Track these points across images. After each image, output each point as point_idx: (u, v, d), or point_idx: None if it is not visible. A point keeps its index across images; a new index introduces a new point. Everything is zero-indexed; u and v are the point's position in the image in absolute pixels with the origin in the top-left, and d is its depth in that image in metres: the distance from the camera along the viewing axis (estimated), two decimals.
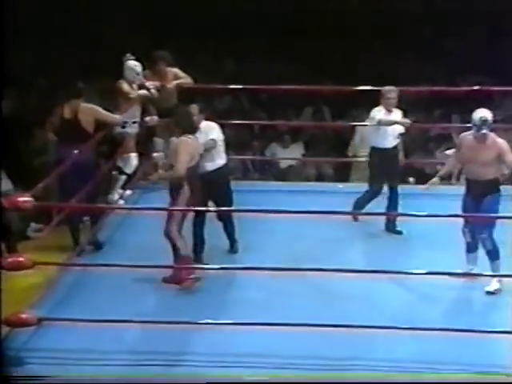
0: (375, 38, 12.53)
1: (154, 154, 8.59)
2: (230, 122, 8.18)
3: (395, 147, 7.73)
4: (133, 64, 8.20)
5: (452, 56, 11.95)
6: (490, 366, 5.58)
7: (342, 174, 10.33)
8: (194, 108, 7.11)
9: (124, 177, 8.26)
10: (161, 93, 8.43)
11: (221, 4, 12.41)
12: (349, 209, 7.52)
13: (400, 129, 7.73)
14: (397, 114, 7.71)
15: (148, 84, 8.32)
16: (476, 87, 9.08)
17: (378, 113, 7.61)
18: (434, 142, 10.67)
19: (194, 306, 6.32)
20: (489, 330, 5.78)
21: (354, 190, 8.95)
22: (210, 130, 7.15)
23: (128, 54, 8.25)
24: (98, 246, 7.38)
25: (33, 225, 8.07)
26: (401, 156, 7.93)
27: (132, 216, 7.76)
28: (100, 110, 7.68)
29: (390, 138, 7.65)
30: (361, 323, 5.75)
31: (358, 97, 10.23)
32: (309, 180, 10.46)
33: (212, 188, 6.97)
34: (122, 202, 8.26)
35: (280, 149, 10.89)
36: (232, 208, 7.14)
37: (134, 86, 8.18)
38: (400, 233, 7.60)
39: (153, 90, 8.34)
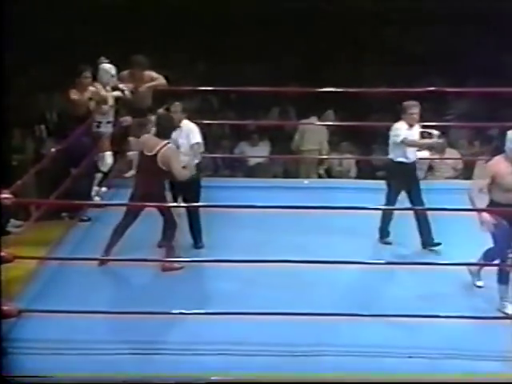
0: (339, 42, 12.56)
1: (129, 153, 8.62)
2: (200, 121, 8.19)
3: (415, 162, 7.40)
4: (107, 67, 8.21)
5: (412, 58, 12.02)
6: (444, 349, 5.66)
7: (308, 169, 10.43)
8: (178, 106, 7.13)
9: (100, 175, 8.27)
10: (137, 94, 8.44)
11: (194, 7, 12.38)
12: (313, 203, 7.27)
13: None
14: (417, 129, 7.38)
15: (122, 86, 8.33)
16: (431, 88, 9.17)
17: (401, 129, 7.24)
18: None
19: (167, 297, 6.32)
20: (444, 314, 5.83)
21: (319, 185, 9.10)
22: (193, 133, 7.17)
23: (102, 58, 8.25)
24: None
25: (12, 221, 8.04)
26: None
27: (107, 211, 7.74)
28: None
29: (411, 152, 7.33)
30: (327, 311, 5.77)
31: (321, 97, 10.30)
32: (276, 176, 10.51)
33: (184, 185, 7.00)
34: (97, 198, 8.27)
35: (248, 147, 10.93)
36: (204, 204, 7.17)
37: (108, 87, 8.18)
38: (439, 244, 7.19)
39: (126, 92, 8.35)
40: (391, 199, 7.25)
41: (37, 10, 11.18)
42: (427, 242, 7.17)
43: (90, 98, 7.97)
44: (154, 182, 6.80)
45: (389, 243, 7.32)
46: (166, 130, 6.87)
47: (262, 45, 12.48)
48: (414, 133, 7.31)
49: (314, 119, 10.66)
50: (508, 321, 5.97)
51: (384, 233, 7.35)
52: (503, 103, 9.78)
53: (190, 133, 7.13)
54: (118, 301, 6.27)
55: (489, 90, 9.39)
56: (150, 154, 6.80)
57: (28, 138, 10.36)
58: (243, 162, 10.94)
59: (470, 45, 11.87)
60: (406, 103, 7.34)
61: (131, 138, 8.64)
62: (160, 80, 8.60)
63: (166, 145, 6.77)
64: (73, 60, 8.55)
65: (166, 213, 6.85)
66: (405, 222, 7.19)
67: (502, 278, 6.16)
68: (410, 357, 5.60)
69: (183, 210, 7.24)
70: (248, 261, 6.10)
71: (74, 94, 7.92)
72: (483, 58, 11.73)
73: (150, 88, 8.53)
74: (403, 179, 7.26)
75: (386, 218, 7.27)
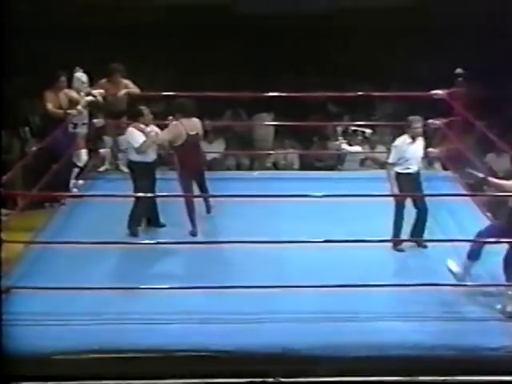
0: (280, 52, 12.58)
1: (101, 150, 8.60)
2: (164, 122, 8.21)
3: (418, 172, 6.97)
4: (79, 75, 8.21)
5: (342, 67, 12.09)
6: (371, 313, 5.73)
7: (258, 163, 10.43)
8: (146, 109, 7.14)
9: (77, 169, 8.24)
10: (114, 98, 8.40)
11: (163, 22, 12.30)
12: (262, 192, 7.08)
13: (421, 153, 7.02)
14: (420, 142, 6.98)
15: (95, 92, 8.31)
16: (361, 93, 9.26)
17: (403, 142, 6.91)
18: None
19: (137, 274, 6.33)
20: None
21: (267, 176, 9.12)
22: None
23: (77, 67, 8.24)
24: None
25: (2, 210, 7.94)
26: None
27: (84, 201, 7.70)
28: None
29: (414, 163, 6.93)
30: (271, 284, 5.79)
31: (267, 101, 10.38)
32: (229, 169, 10.51)
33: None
34: (75, 190, 8.22)
35: (206, 144, 10.89)
36: (173, 193, 7.16)
37: (82, 93, 8.17)
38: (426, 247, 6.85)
39: (99, 97, 8.33)
40: (399, 211, 6.86)
41: (20, 24, 11.00)
42: None
43: (70, 100, 7.93)
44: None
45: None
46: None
47: (219, 57, 12.45)
48: (417, 146, 6.94)
49: (264, 115, 10.68)
50: None
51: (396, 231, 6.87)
52: (420, 105, 9.92)
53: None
54: (93, 278, 6.22)
55: (408, 94, 9.52)
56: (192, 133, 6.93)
57: (14, 139, 10.24)
58: None
59: (394, 56, 12.01)
60: (410, 118, 6.98)
61: (105, 137, 8.61)
62: (135, 88, 8.59)
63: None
64: (53, 69, 8.48)
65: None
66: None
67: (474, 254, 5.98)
68: (344, 320, 5.65)
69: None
70: (206, 242, 6.13)
71: (49, 95, 7.91)
72: (404, 67, 11.92)
73: (126, 94, 8.51)
74: (408, 189, 6.90)
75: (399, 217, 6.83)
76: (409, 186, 6.88)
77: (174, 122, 7.07)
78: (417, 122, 6.90)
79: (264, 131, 10.88)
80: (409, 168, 6.89)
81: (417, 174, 6.96)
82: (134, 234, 6.99)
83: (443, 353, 5.39)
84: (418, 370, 5.35)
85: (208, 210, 7.45)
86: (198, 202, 7.26)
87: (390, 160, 6.93)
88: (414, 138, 6.90)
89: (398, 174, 6.88)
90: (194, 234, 7.00)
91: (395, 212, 6.85)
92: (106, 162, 8.73)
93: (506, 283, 5.87)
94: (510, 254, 5.88)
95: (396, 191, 6.78)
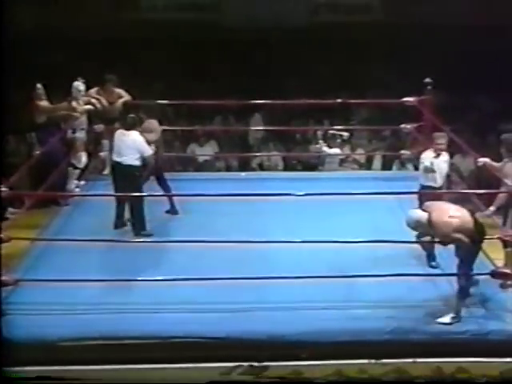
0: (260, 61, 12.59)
1: (101, 153, 8.57)
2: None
3: (441, 187, 6.59)
4: (76, 84, 8.18)
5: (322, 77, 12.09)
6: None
7: (245, 165, 10.42)
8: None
9: (77, 171, 8.22)
10: (111, 107, 8.37)
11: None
12: (249, 191, 7.05)
13: (445, 168, 6.65)
14: (445, 157, 6.67)
15: (93, 101, 8.29)
16: (339, 100, 9.27)
17: (427, 157, 6.66)
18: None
19: (133, 267, 6.28)
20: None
21: (254, 177, 9.10)
22: None
23: (79, 78, 8.22)
24: None
25: (10, 209, 7.89)
26: None
27: (86, 200, 7.66)
28: None
29: (438, 177, 6.62)
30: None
31: (253, 108, 10.42)
32: (219, 170, 10.48)
33: None
34: (77, 190, 8.19)
35: (197, 147, 10.87)
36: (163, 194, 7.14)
37: (81, 102, 8.13)
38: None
39: (98, 105, 8.31)
40: None
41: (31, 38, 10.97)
42: None
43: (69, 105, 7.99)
44: None
45: None
46: None
47: (207, 68, 12.44)
48: (441, 161, 6.66)
49: (257, 116, 10.67)
50: None
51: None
52: (394, 110, 9.97)
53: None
54: (94, 271, 6.18)
55: (382, 101, 9.56)
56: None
57: (21, 144, 10.15)
58: (193, 160, 10.88)
59: (368, 66, 12.05)
60: (435, 134, 6.77)
61: (104, 141, 8.57)
62: (128, 97, 8.55)
63: None
64: (54, 79, 8.46)
65: None
66: None
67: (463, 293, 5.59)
68: (325, 308, 5.65)
69: None
70: (196, 241, 6.08)
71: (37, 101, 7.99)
72: (378, 76, 11.95)
73: (122, 102, 8.48)
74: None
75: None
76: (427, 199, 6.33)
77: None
78: (440, 139, 6.67)
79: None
80: (434, 182, 6.60)
81: (439, 189, 6.58)
82: (145, 233, 6.87)
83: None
84: (393, 353, 5.36)
85: (173, 212, 7.34)
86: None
87: (419, 171, 6.78)
88: (438, 154, 6.64)
89: (421, 186, 6.69)
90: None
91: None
92: (107, 164, 8.68)
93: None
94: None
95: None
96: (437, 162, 6.66)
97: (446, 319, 5.52)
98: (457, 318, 5.52)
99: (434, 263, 6.29)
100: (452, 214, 5.48)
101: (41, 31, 11.41)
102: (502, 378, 5.31)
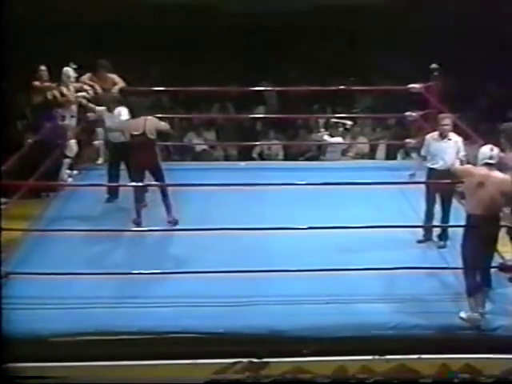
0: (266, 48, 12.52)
1: (95, 142, 8.52)
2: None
3: (448, 169, 6.25)
4: (65, 70, 8.14)
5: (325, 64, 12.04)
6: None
7: (244, 154, 10.35)
8: None
9: (68, 160, 8.17)
10: (104, 93, 8.31)
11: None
12: (247, 181, 7.06)
13: (453, 151, 6.54)
14: (453, 139, 6.56)
15: (85, 87, 8.23)
16: (342, 87, 9.20)
17: (430, 137, 6.65)
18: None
19: (129, 261, 6.24)
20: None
21: (253, 166, 9.05)
22: None
23: (70, 63, 8.19)
24: None
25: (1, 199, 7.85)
26: None
27: (78, 190, 7.61)
28: None
29: (440, 159, 6.54)
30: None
31: (256, 95, 10.28)
32: (218, 160, 10.43)
33: None
34: (70, 179, 8.14)
35: (195, 136, 10.82)
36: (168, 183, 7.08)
37: (71, 87, 8.09)
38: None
39: (90, 92, 8.25)
40: (429, 202, 6.62)
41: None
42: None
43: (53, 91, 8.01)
44: None
45: None
46: None
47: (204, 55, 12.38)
48: (446, 143, 6.57)
49: (261, 108, 10.68)
50: None
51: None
52: (397, 98, 9.92)
53: None
54: (86, 264, 6.15)
55: (386, 88, 9.50)
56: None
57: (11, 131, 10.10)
58: (191, 149, 10.82)
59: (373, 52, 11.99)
60: (440, 116, 6.72)
61: (98, 129, 8.52)
62: (122, 83, 8.48)
63: None
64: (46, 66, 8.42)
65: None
66: None
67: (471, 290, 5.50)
68: (327, 303, 5.62)
69: None
70: (197, 229, 6.03)
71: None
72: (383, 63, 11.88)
73: (118, 89, 8.41)
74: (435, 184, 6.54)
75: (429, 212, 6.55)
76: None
77: None
78: (445, 120, 6.61)
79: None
80: (435, 164, 6.58)
81: (445, 171, 6.36)
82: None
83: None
84: (397, 349, 5.32)
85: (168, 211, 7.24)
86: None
87: (422, 152, 6.77)
88: (442, 135, 6.58)
89: (428, 168, 6.65)
90: (137, 222, 6.80)
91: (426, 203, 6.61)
92: (101, 153, 8.63)
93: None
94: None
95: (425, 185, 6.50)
96: (440, 144, 6.58)
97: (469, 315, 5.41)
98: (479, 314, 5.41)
99: (442, 243, 6.36)
100: None
101: (37, 18, 11.36)
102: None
